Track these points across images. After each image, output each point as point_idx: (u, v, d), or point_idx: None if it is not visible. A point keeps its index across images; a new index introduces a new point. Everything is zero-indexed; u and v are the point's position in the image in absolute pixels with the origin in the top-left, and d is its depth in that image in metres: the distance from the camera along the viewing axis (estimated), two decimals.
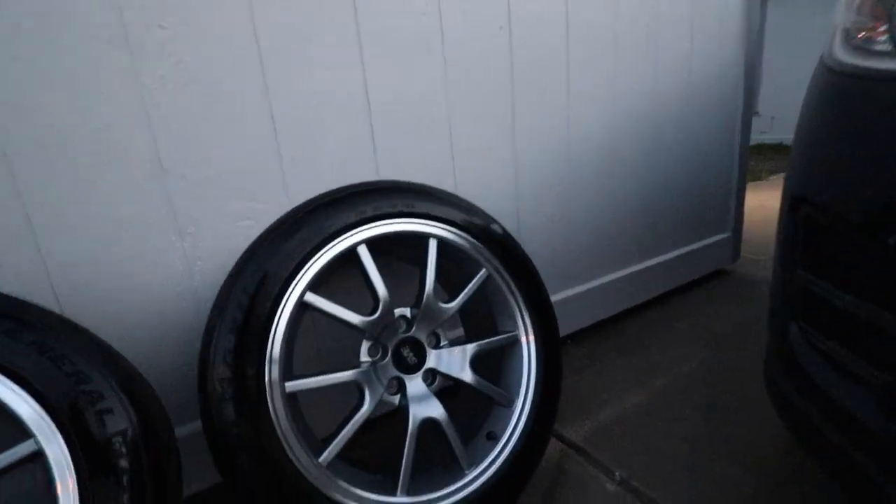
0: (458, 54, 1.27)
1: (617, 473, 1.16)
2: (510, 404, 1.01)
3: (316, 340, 1.21)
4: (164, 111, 0.96)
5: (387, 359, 0.95)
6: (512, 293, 1.06)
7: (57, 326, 0.71)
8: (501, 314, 1.08)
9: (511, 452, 0.97)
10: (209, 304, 1.06)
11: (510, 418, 0.99)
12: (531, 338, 1.05)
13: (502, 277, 1.05)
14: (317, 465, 0.79)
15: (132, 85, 0.92)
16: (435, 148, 1.29)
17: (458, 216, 1.03)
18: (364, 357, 0.94)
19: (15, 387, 0.64)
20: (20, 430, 0.65)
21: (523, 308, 1.06)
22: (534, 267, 1.12)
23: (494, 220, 1.10)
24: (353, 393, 0.91)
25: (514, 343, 1.06)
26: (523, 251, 1.11)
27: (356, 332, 0.92)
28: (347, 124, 1.15)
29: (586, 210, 1.67)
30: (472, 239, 1.04)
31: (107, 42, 0.89)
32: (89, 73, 0.88)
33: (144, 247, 0.98)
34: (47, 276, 0.90)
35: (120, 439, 0.67)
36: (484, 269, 1.04)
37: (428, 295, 0.97)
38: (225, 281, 0.85)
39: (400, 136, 1.23)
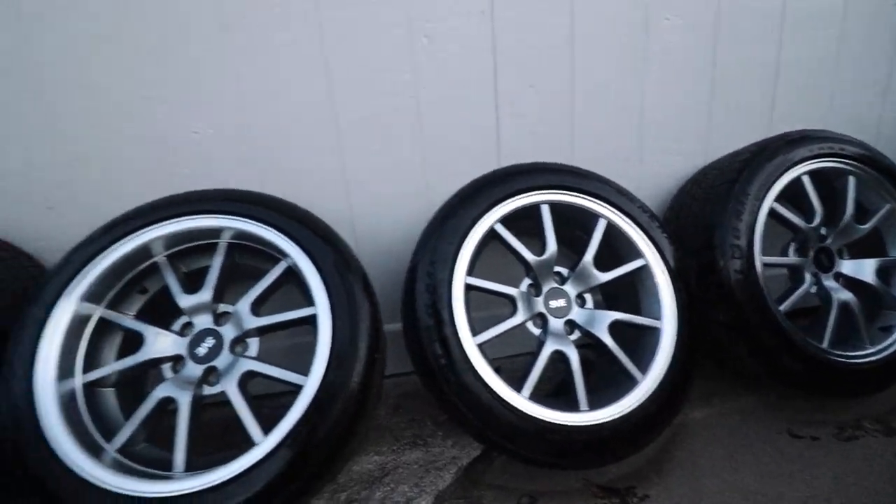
0: (796, 37, 1.51)
1: None
2: None
3: None
4: (651, 84, 1.44)
5: (808, 257, 1.31)
6: None
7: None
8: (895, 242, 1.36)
9: None
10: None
11: None
12: None
13: None
14: (779, 312, 1.19)
15: (635, 55, 1.41)
16: (815, 112, 1.59)
17: (871, 159, 1.33)
18: (792, 254, 1.32)
19: (634, 225, 1.17)
20: (633, 251, 1.17)
21: None
22: None
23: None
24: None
25: None
26: None
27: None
28: (754, 92, 1.52)
29: None
30: (875, 173, 1.33)
31: (632, 26, 1.39)
32: (616, 45, 1.39)
33: (620, 167, 1.49)
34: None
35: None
36: (888, 205, 1.33)
37: (849, 216, 1.30)
38: (730, 183, 1.27)
39: (796, 102, 1.56)
